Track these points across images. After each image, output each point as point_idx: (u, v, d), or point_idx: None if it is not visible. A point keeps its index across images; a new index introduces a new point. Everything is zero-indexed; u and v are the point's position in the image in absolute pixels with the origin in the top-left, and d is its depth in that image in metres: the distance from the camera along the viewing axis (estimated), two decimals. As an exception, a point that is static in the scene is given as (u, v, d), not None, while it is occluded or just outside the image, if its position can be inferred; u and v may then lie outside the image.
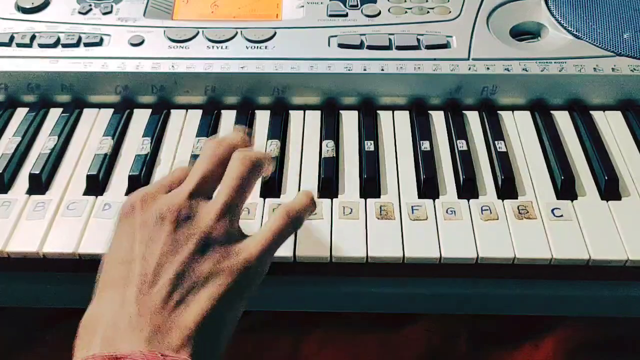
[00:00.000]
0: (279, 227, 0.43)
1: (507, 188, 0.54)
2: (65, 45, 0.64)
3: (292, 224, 0.44)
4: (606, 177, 0.54)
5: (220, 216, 0.41)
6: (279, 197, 0.55)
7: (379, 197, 0.54)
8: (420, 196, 0.54)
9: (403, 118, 0.63)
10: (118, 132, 0.60)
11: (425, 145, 0.58)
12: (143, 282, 0.38)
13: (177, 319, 0.37)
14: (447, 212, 0.52)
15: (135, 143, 0.59)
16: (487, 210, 0.53)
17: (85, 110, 0.64)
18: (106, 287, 0.40)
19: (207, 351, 0.38)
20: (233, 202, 0.42)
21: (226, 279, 0.39)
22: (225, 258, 0.40)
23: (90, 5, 0.68)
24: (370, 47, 0.64)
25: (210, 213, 0.41)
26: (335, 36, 0.65)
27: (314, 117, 0.63)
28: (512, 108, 0.63)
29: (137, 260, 0.39)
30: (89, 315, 0.39)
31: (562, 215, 0.52)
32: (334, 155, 0.57)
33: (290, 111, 0.63)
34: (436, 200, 0.54)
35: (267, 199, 0.54)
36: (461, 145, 0.58)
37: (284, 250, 0.50)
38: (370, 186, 0.55)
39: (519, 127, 0.61)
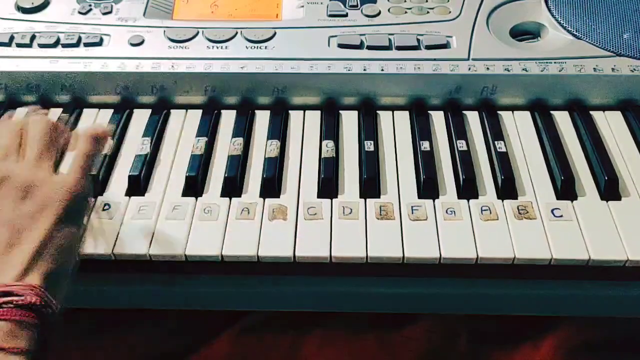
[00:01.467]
0: (87, 149, 0.47)
1: (507, 188, 0.54)
2: (65, 45, 0.64)
3: (96, 142, 0.48)
4: (606, 177, 0.55)
5: (34, 165, 0.45)
6: (278, 197, 0.55)
7: (379, 197, 0.54)
8: (420, 196, 0.54)
9: (403, 118, 0.63)
10: (118, 132, 0.60)
11: (425, 145, 0.58)
12: None
13: (15, 255, 0.41)
14: (447, 212, 0.53)
15: (135, 143, 0.59)
16: (487, 210, 0.53)
17: (85, 111, 0.64)
18: None
19: (53, 277, 0.42)
20: (41, 151, 0.46)
21: (53, 209, 0.43)
22: (50, 193, 0.44)
23: (90, 5, 0.68)
24: (370, 47, 0.64)
25: (26, 165, 0.45)
26: (335, 36, 0.65)
27: (314, 117, 0.63)
28: (512, 108, 0.63)
29: None
30: None
31: (562, 216, 0.52)
32: (334, 155, 0.57)
33: (290, 111, 0.63)
34: (436, 200, 0.54)
35: (267, 199, 0.54)
36: (461, 145, 0.58)
37: (284, 250, 0.50)
38: (370, 186, 0.55)
39: (519, 127, 0.61)
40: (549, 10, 0.68)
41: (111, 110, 0.63)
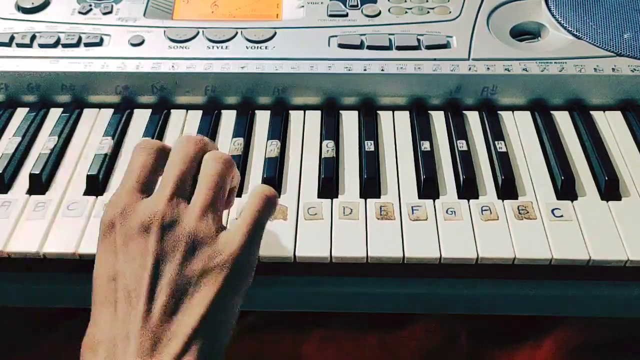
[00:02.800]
0: (256, 213, 0.42)
1: (507, 188, 0.54)
2: (65, 45, 0.64)
3: (269, 206, 0.43)
4: (606, 177, 0.54)
5: (202, 216, 0.40)
6: (279, 197, 0.54)
7: (379, 197, 0.54)
8: (420, 196, 0.54)
9: (403, 118, 0.63)
10: (118, 132, 0.60)
11: (425, 145, 0.58)
12: (137, 295, 0.38)
13: (175, 328, 0.37)
14: (447, 212, 0.52)
15: (136, 143, 0.59)
16: (487, 210, 0.53)
17: (86, 110, 0.64)
18: (98, 306, 0.39)
19: (209, 353, 0.38)
20: (213, 201, 0.42)
21: (216, 278, 0.39)
22: (213, 257, 0.39)
23: (90, 5, 0.68)
24: (370, 47, 0.64)
25: (192, 214, 0.40)
26: (336, 36, 0.65)
27: (314, 117, 0.63)
28: (512, 108, 0.63)
29: (127, 276, 0.38)
30: (88, 336, 0.39)
31: (562, 216, 0.52)
32: (334, 155, 0.57)
33: (291, 111, 0.63)
34: (436, 200, 0.54)
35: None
36: (461, 145, 0.58)
37: (285, 251, 0.50)
38: (370, 186, 0.55)
39: (519, 127, 0.61)
40: (549, 10, 0.68)
41: (111, 110, 0.63)
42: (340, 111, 0.63)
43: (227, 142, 0.59)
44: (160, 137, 0.61)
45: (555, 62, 0.62)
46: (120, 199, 0.41)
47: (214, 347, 0.38)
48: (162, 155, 0.44)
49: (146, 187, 0.42)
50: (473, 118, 0.62)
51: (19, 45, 0.64)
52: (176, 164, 0.42)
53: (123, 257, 0.39)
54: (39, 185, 0.55)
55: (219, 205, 0.42)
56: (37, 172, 0.55)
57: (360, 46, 0.64)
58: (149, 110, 0.63)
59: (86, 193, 0.55)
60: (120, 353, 0.36)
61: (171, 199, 0.41)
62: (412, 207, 0.53)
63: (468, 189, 0.54)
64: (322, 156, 0.57)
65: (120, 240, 0.40)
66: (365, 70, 0.62)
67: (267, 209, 0.43)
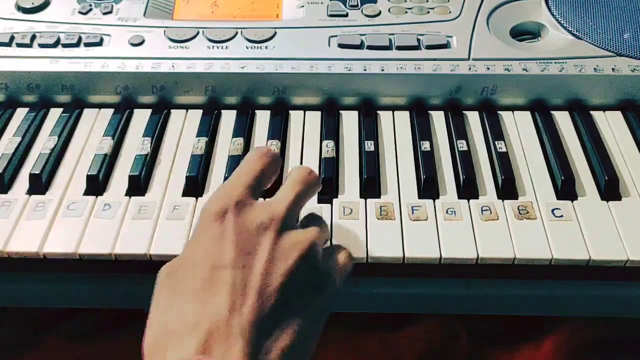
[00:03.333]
0: (345, 262, 0.44)
1: (507, 188, 0.54)
2: (65, 45, 0.64)
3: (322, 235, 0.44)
4: (606, 177, 0.54)
5: (318, 234, 0.42)
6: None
7: (379, 197, 0.54)
8: (420, 196, 0.54)
9: (403, 118, 0.63)
10: (118, 132, 0.60)
11: (426, 145, 0.58)
12: (246, 291, 0.37)
13: (275, 342, 0.37)
14: (447, 212, 0.52)
15: (136, 143, 0.59)
16: (487, 210, 0.53)
17: (86, 110, 0.64)
18: (189, 290, 0.38)
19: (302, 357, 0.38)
20: (322, 230, 0.43)
21: (317, 294, 0.40)
22: (319, 279, 0.41)
23: (90, 5, 0.68)
24: (370, 47, 0.64)
25: (306, 230, 0.42)
26: (336, 36, 0.65)
27: (314, 117, 0.63)
28: (512, 108, 0.63)
29: (237, 268, 0.38)
30: (174, 316, 0.37)
31: (562, 216, 0.52)
32: (334, 155, 0.57)
33: (291, 111, 0.63)
34: (436, 200, 0.54)
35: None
36: (461, 145, 0.58)
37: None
38: (370, 186, 0.55)
39: (519, 127, 0.61)
40: (549, 10, 0.68)
41: (111, 110, 0.63)
42: (340, 111, 0.63)
43: (227, 142, 0.59)
44: (160, 137, 0.61)
45: (555, 62, 0.62)
46: (235, 191, 0.41)
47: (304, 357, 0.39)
48: (278, 167, 0.46)
49: (259, 189, 0.43)
50: (473, 118, 0.62)
51: (19, 45, 0.64)
52: (300, 183, 0.44)
53: (234, 249, 0.38)
54: (39, 185, 0.55)
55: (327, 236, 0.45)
56: (37, 172, 0.55)
57: (360, 46, 0.64)
58: (149, 110, 0.63)
59: (86, 193, 0.55)
60: (222, 344, 0.35)
61: (288, 210, 0.41)
62: (412, 207, 0.53)
63: (468, 189, 0.54)
64: (322, 156, 0.57)
65: (232, 231, 0.39)
66: (365, 70, 0.62)
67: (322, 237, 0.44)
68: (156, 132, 0.60)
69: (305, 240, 0.40)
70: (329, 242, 0.48)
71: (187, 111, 0.64)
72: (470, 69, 0.62)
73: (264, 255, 0.38)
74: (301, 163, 0.58)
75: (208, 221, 0.40)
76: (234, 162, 0.57)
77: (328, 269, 0.42)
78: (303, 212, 0.47)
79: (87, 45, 0.64)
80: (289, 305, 0.38)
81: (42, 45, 0.64)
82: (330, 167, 0.56)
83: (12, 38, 0.65)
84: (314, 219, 0.45)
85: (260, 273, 0.38)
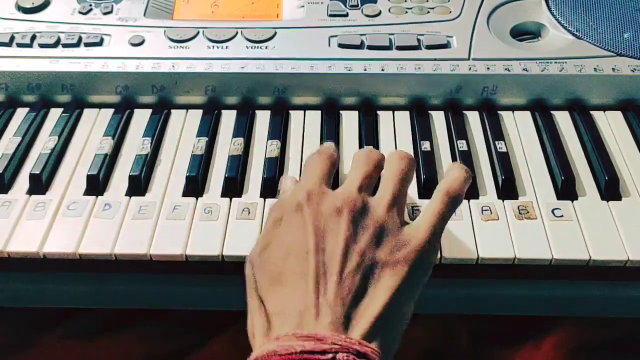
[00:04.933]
0: (441, 209, 0.44)
1: (508, 188, 0.54)
2: (65, 45, 0.64)
3: (453, 202, 0.44)
4: (606, 177, 0.54)
5: (390, 207, 0.43)
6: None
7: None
8: (420, 196, 0.54)
9: (403, 118, 0.63)
10: (118, 132, 0.60)
11: (426, 145, 0.58)
12: (328, 272, 0.39)
13: (363, 309, 0.39)
14: (447, 212, 0.52)
15: (136, 143, 0.59)
16: (487, 210, 0.53)
17: (86, 110, 0.64)
18: (289, 277, 0.40)
19: (390, 341, 0.39)
20: (399, 194, 0.44)
21: (402, 268, 0.40)
22: (399, 247, 0.41)
23: (90, 5, 0.68)
24: (370, 47, 0.64)
25: (381, 205, 0.43)
26: (336, 36, 0.65)
27: (314, 117, 0.63)
28: (513, 108, 0.63)
29: (319, 252, 0.40)
30: (274, 303, 0.40)
31: (562, 216, 0.52)
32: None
33: (291, 111, 0.63)
34: (436, 200, 0.54)
35: (267, 199, 0.54)
36: (461, 145, 0.58)
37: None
38: (371, 186, 0.55)
39: (519, 127, 0.61)
40: (550, 10, 0.68)
41: (111, 110, 0.63)
42: (340, 111, 0.63)
43: (227, 142, 0.59)
44: (160, 137, 0.61)
45: (555, 62, 0.62)
46: (306, 186, 0.44)
47: (394, 336, 0.40)
48: (334, 159, 0.49)
49: (327, 181, 0.46)
50: (473, 118, 0.62)
51: (19, 45, 0.64)
52: (362, 164, 0.46)
53: (314, 234, 0.41)
54: (39, 185, 0.55)
55: (402, 200, 0.45)
56: (37, 172, 0.55)
57: (360, 46, 0.64)
58: (149, 110, 0.63)
59: (86, 193, 0.55)
60: (314, 321, 0.38)
61: (360, 191, 0.44)
62: (412, 207, 0.53)
63: (468, 189, 0.54)
64: (322, 156, 0.57)
65: (310, 219, 0.42)
66: (365, 70, 0.62)
67: (452, 206, 0.44)
68: (156, 132, 0.60)
69: (377, 217, 0.42)
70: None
71: (187, 111, 0.64)
72: (470, 68, 0.62)
73: (341, 236, 0.41)
74: (301, 163, 0.58)
75: (289, 212, 0.43)
76: (234, 162, 0.57)
77: (409, 239, 0.42)
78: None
79: (87, 45, 0.64)
80: (371, 278, 0.40)
81: (42, 45, 0.64)
82: (331, 167, 0.56)
83: (12, 38, 0.65)
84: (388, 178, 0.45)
85: (339, 254, 0.40)
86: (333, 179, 0.48)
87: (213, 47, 0.64)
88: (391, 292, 0.39)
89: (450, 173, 0.46)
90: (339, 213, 0.42)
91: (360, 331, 0.38)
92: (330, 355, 0.36)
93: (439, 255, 0.49)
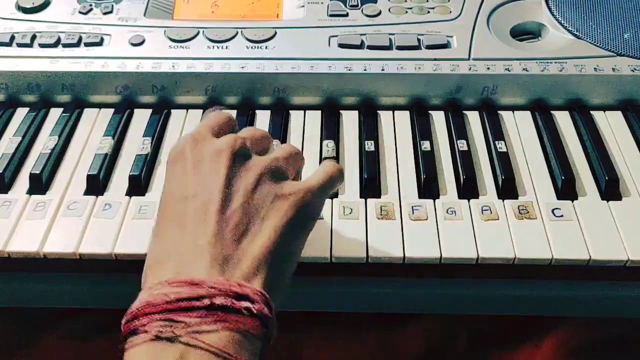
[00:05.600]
0: (331, 171, 0.44)
1: (508, 188, 0.54)
2: (65, 45, 0.64)
3: (340, 173, 0.45)
4: (606, 177, 0.54)
5: (275, 160, 0.42)
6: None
7: (379, 197, 0.54)
8: (420, 196, 0.54)
9: (403, 118, 0.63)
10: (118, 132, 0.60)
11: (426, 145, 0.58)
12: (208, 212, 0.39)
13: (245, 249, 0.38)
14: (447, 212, 0.52)
15: (136, 143, 0.59)
16: (487, 210, 0.53)
17: (86, 110, 0.64)
18: (166, 225, 0.40)
19: (274, 282, 0.38)
20: (285, 160, 0.43)
21: (287, 210, 0.40)
22: (286, 189, 0.41)
23: (90, 5, 0.69)
24: (370, 47, 0.64)
25: (267, 156, 0.43)
26: (336, 36, 0.65)
27: (314, 117, 0.63)
28: (513, 108, 0.63)
29: (198, 195, 0.40)
30: (154, 251, 0.39)
31: (562, 216, 0.52)
32: (334, 155, 0.57)
33: (291, 111, 0.63)
34: (436, 200, 0.54)
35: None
36: (461, 145, 0.58)
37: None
38: (371, 186, 0.55)
39: (520, 127, 0.61)
40: (550, 10, 0.68)
41: (111, 110, 0.63)
42: (341, 111, 0.63)
43: (227, 142, 0.59)
44: (160, 137, 0.61)
45: (555, 62, 0.62)
46: (192, 134, 0.43)
47: (278, 278, 0.39)
48: (231, 122, 0.47)
49: (219, 132, 0.44)
50: (473, 118, 0.62)
51: (20, 45, 0.64)
52: (251, 129, 0.46)
53: (194, 178, 0.40)
54: (39, 185, 0.55)
55: (288, 164, 0.44)
56: (38, 172, 0.55)
57: (360, 46, 0.64)
58: (149, 110, 0.63)
59: (86, 193, 0.55)
60: (191, 265, 0.37)
61: (243, 139, 0.42)
62: (412, 207, 0.53)
63: (468, 188, 0.54)
64: (323, 156, 0.57)
65: (191, 164, 0.41)
66: (365, 70, 0.62)
67: (338, 176, 0.45)
68: (156, 132, 0.60)
69: (263, 162, 0.41)
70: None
71: (187, 111, 0.64)
72: (470, 68, 0.62)
73: (220, 177, 0.40)
74: (301, 163, 0.58)
75: (171, 162, 0.43)
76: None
77: (295, 184, 0.42)
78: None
79: (87, 45, 0.64)
80: (255, 218, 0.39)
81: (42, 45, 0.64)
82: (331, 167, 0.56)
83: (12, 38, 0.65)
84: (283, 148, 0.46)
85: (219, 194, 0.39)
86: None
87: (213, 47, 0.64)
88: (276, 231, 0.39)
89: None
90: (219, 154, 0.41)
91: (240, 272, 0.37)
92: (207, 301, 0.34)
93: (438, 255, 0.49)
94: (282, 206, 0.40)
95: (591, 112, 0.62)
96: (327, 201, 0.53)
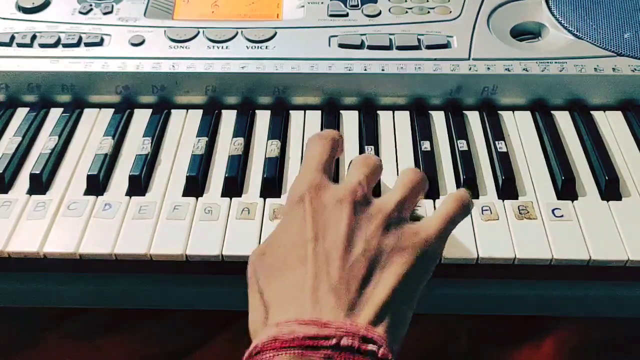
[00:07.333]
0: (453, 210, 0.44)
1: (508, 188, 0.54)
2: (65, 45, 0.64)
3: (464, 208, 0.45)
4: (606, 177, 0.54)
5: (398, 204, 0.43)
6: (279, 197, 0.55)
7: (379, 197, 0.54)
8: (420, 196, 0.54)
9: (403, 118, 0.63)
10: (118, 132, 0.60)
11: (426, 145, 0.58)
12: (330, 258, 0.39)
13: (369, 295, 0.38)
14: (447, 212, 0.52)
15: (136, 143, 0.59)
16: (487, 210, 0.53)
17: (86, 110, 0.64)
18: (286, 267, 0.40)
19: (396, 328, 0.38)
20: (408, 198, 0.44)
21: (409, 256, 0.40)
22: (406, 236, 0.41)
23: (90, 5, 0.69)
24: (370, 47, 0.64)
25: (387, 201, 0.43)
26: (336, 36, 0.65)
27: (315, 117, 0.63)
28: (513, 108, 0.63)
29: (319, 240, 0.40)
30: (273, 293, 0.40)
31: (562, 216, 0.52)
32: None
33: (291, 111, 0.63)
34: (437, 200, 0.54)
35: (267, 199, 0.54)
36: (461, 145, 0.58)
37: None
38: (371, 186, 0.54)
39: (520, 127, 0.61)
40: (550, 10, 0.68)
41: (111, 110, 0.63)
42: (341, 111, 0.63)
43: (227, 142, 0.59)
44: (160, 137, 0.61)
45: (555, 62, 0.62)
46: (307, 176, 0.44)
47: (400, 322, 0.39)
48: (336, 144, 0.48)
49: (328, 169, 0.46)
50: (473, 118, 0.62)
51: (20, 45, 0.64)
52: (362, 165, 0.46)
53: (314, 225, 0.41)
54: (40, 185, 0.55)
55: (410, 205, 0.44)
56: (38, 172, 0.55)
57: (360, 46, 0.64)
58: (149, 110, 0.63)
59: (86, 193, 0.55)
60: (316, 308, 0.37)
61: (361, 185, 0.43)
62: (412, 207, 0.53)
63: (468, 188, 0.54)
64: (322, 156, 0.57)
65: (310, 210, 0.42)
66: (365, 70, 0.62)
67: (463, 211, 0.45)
68: (156, 132, 0.60)
69: (383, 209, 0.42)
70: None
71: (187, 111, 0.64)
72: (470, 68, 0.62)
73: (343, 225, 0.41)
74: (301, 163, 0.58)
75: (290, 208, 0.43)
76: (234, 162, 0.57)
77: (418, 230, 0.42)
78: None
79: (87, 45, 0.64)
80: (377, 266, 0.39)
81: (42, 45, 0.64)
82: (331, 167, 0.56)
83: (12, 38, 0.65)
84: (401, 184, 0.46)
85: (342, 240, 0.40)
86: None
87: (213, 47, 0.64)
88: (398, 278, 0.39)
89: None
90: (340, 202, 0.42)
91: (366, 317, 0.37)
92: (334, 340, 0.35)
93: (439, 255, 0.49)
94: (403, 254, 0.40)
95: (591, 112, 0.62)
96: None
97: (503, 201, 0.54)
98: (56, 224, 0.52)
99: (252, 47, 0.64)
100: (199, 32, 0.66)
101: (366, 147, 0.58)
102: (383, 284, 0.39)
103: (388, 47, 0.64)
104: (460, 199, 0.45)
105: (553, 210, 0.53)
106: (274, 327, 0.37)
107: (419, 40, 0.64)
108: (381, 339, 0.36)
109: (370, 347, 0.35)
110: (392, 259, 0.40)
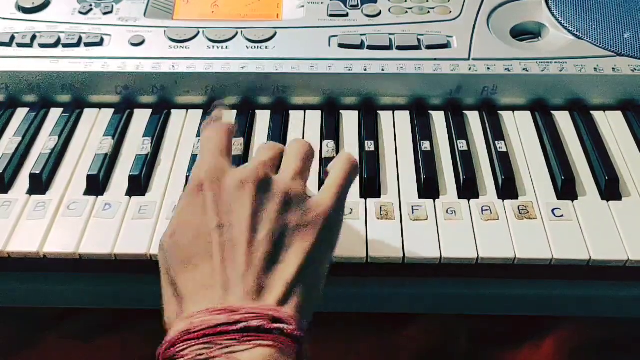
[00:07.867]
0: (343, 174, 0.45)
1: (508, 188, 0.54)
2: (65, 45, 0.64)
3: (353, 168, 0.45)
4: (606, 177, 0.54)
5: (293, 178, 0.43)
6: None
7: (379, 197, 0.54)
8: (420, 196, 0.54)
9: (403, 118, 0.63)
10: (118, 132, 0.61)
11: (426, 145, 0.58)
12: (237, 245, 0.39)
13: (276, 276, 0.39)
14: (447, 212, 0.52)
15: (136, 143, 0.59)
16: (487, 210, 0.53)
17: (86, 110, 0.64)
18: (194, 259, 0.40)
19: (307, 302, 0.39)
20: (302, 169, 0.44)
21: (312, 231, 0.41)
22: (307, 212, 0.41)
23: (90, 5, 0.69)
24: (370, 47, 0.64)
25: (285, 177, 0.43)
26: (336, 36, 0.65)
27: (314, 117, 0.63)
28: (513, 108, 0.63)
29: (224, 227, 0.40)
30: (186, 287, 0.40)
31: (562, 216, 0.52)
32: (335, 155, 0.57)
33: (291, 111, 0.63)
34: (436, 200, 0.54)
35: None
36: (461, 145, 0.58)
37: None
38: (371, 186, 0.55)
39: (520, 127, 0.61)
40: (550, 10, 0.68)
41: (111, 110, 0.63)
42: (341, 111, 0.63)
43: (227, 142, 0.59)
44: (160, 137, 0.61)
45: (555, 62, 0.62)
46: (205, 161, 0.44)
47: (310, 297, 0.40)
48: (232, 129, 0.47)
49: (227, 153, 0.45)
50: (473, 118, 0.62)
51: (20, 45, 0.64)
52: (265, 150, 0.46)
53: (214, 213, 0.40)
54: (39, 185, 0.55)
55: (306, 174, 0.45)
56: (38, 172, 0.55)
57: (360, 46, 0.64)
58: (149, 110, 0.63)
59: (86, 193, 0.55)
60: (226, 296, 0.38)
61: (264, 165, 0.43)
62: (412, 207, 0.53)
63: (468, 188, 0.54)
64: (322, 156, 0.57)
65: (211, 197, 0.41)
66: (365, 70, 0.62)
67: (353, 171, 0.45)
68: (156, 132, 0.60)
69: (283, 186, 0.42)
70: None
71: (187, 111, 0.64)
72: (470, 68, 0.62)
73: (246, 209, 0.40)
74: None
75: (187, 196, 0.43)
76: (234, 162, 0.57)
77: (316, 205, 0.42)
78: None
79: (87, 45, 0.64)
80: (282, 245, 0.40)
81: (42, 45, 0.64)
82: (331, 167, 0.56)
83: (12, 38, 0.65)
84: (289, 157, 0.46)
85: (246, 225, 0.40)
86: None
87: (213, 47, 0.64)
88: (303, 255, 0.40)
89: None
90: (242, 186, 0.41)
91: (274, 297, 0.38)
92: (243, 324, 0.36)
93: (438, 255, 0.49)
94: (307, 230, 0.41)
95: (591, 112, 0.62)
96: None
97: (503, 201, 0.54)
98: (56, 224, 0.52)
99: (252, 47, 0.64)
100: (198, 32, 0.66)
101: (366, 142, 0.58)
102: (289, 263, 0.39)
103: (388, 47, 0.64)
104: (347, 161, 0.45)
105: (553, 210, 0.53)
106: (185, 319, 0.37)
107: (419, 40, 0.64)
108: (290, 317, 0.37)
109: (277, 325, 0.36)
110: (297, 236, 0.40)
